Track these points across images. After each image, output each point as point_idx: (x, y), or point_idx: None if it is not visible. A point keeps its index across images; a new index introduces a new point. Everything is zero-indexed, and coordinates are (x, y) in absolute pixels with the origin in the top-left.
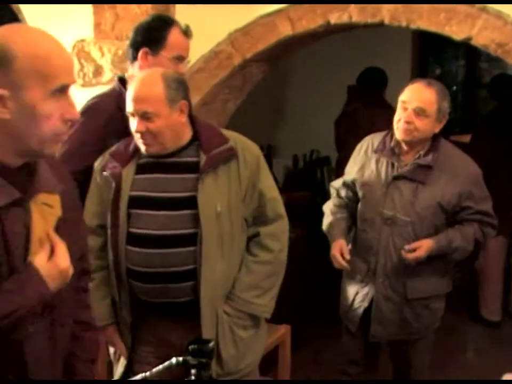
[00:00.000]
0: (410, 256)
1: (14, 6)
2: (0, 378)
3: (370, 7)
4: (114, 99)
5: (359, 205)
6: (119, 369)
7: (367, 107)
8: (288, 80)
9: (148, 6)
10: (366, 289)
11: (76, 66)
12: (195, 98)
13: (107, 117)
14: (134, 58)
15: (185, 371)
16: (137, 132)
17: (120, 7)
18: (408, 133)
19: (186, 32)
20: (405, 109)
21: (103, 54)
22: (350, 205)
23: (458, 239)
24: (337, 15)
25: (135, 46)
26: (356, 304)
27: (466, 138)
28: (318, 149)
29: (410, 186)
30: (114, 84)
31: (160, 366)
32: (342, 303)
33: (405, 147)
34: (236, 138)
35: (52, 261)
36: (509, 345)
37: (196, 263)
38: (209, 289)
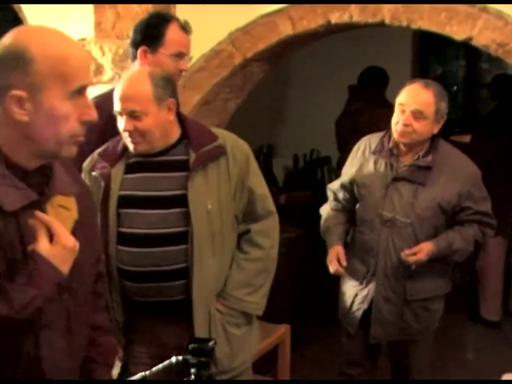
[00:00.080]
0: (411, 259)
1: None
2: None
3: (371, 6)
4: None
5: (358, 206)
6: (114, 371)
7: (369, 106)
8: (288, 80)
9: (149, 6)
10: (365, 291)
11: None
12: (196, 98)
13: (107, 117)
14: (135, 57)
15: (185, 370)
16: (125, 130)
17: (121, 6)
18: (407, 136)
19: (185, 28)
20: (403, 111)
21: (103, 53)
22: (348, 207)
23: (458, 240)
24: (338, 15)
25: (135, 45)
26: (355, 306)
27: (467, 139)
28: (318, 149)
29: (410, 187)
30: (116, 83)
31: (160, 365)
32: (341, 306)
33: (403, 148)
34: (224, 136)
35: (55, 243)
36: (509, 345)
37: (187, 261)
38: (201, 287)
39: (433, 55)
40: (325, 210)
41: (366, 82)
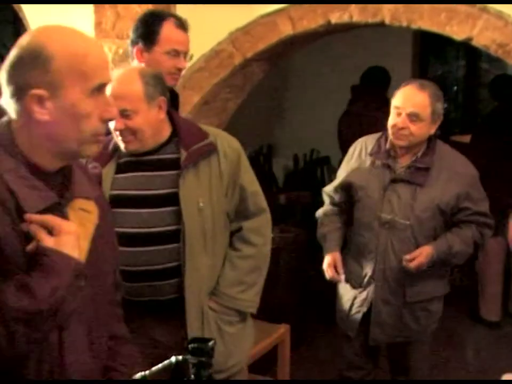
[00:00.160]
0: (412, 265)
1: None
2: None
3: (371, 7)
4: None
5: (355, 208)
6: None
7: (371, 106)
8: (288, 80)
9: (149, 6)
10: (364, 294)
11: None
12: (196, 98)
13: None
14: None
15: (184, 370)
16: (116, 129)
17: (121, 6)
18: (404, 138)
19: (182, 25)
20: (399, 114)
21: None
22: (344, 210)
23: (458, 243)
24: (338, 15)
25: (132, 44)
26: (354, 309)
27: (467, 139)
28: (318, 149)
29: (409, 189)
30: None
31: (160, 365)
32: (339, 309)
33: (400, 150)
34: (215, 133)
35: (56, 233)
36: (509, 345)
37: (179, 259)
38: (194, 285)
39: (433, 55)
40: (321, 215)
41: (368, 82)
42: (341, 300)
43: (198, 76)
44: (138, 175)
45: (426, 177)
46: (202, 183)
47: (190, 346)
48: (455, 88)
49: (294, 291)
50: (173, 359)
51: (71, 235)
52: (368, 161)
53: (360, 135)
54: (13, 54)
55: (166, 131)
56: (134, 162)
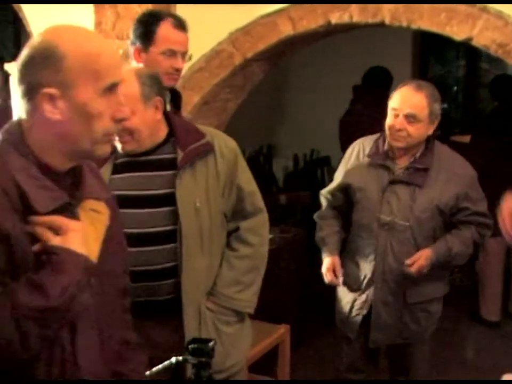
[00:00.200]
0: (413, 269)
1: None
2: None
3: (371, 7)
4: None
5: (354, 210)
6: None
7: (372, 106)
8: (288, 80)
9: (149, 6)
10: (363, 297)
11: None
12: (196, 98)
13: None
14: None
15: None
16: None
17: (121, 6)
18: (401, 140)
19: (180, 25)
20: (396, 116)
21: None
22: (343, 212)
23: (457, 245)
24: (338, 15)
25: (131, 44)
26: (354, 311)
27: (467, 139)
28: (318, 149)
29: (408, 190)
30: None
31: (160, 366)
32: (338, 311)
33: (399, 151)
34: (212, 133)
35: (62, 232)
36: (509, 345)
37: (176, 260)
38: (191, 285)
39: (433, 55)
40: (319, 218)
41: (370, 82)
42: (340, 303)
43: (198, 76)
44: (135, 176)
45: (425, 178)
46: (199, 183)
47: (190, 346)
48: (455, 88)
49: (294, 291)
50: (173, 359)
51: (77, 233)
52: (366, 163)
53: (362, 135)
54: (24, 53)
55: (163, 131)
56: (131, 163)
